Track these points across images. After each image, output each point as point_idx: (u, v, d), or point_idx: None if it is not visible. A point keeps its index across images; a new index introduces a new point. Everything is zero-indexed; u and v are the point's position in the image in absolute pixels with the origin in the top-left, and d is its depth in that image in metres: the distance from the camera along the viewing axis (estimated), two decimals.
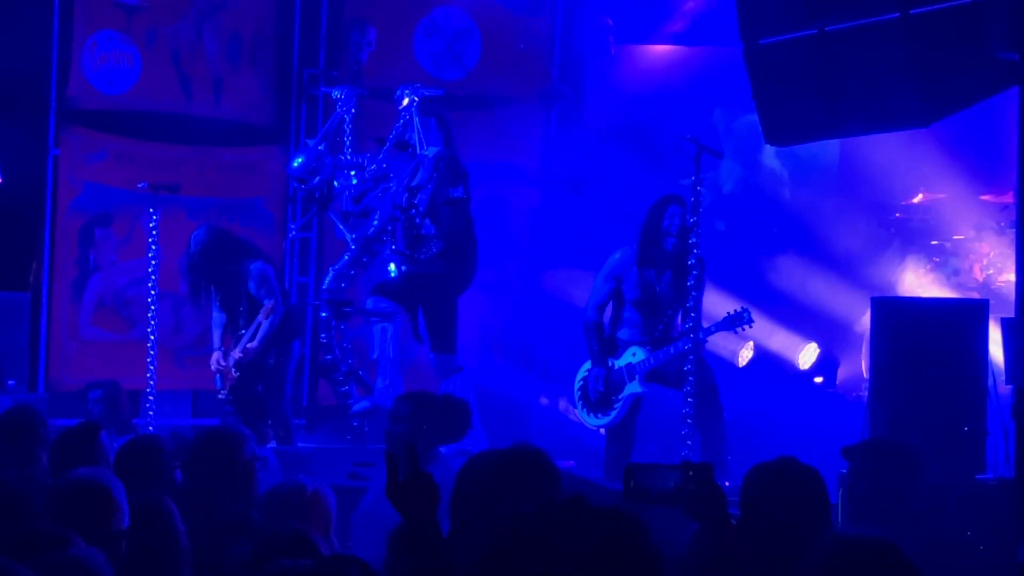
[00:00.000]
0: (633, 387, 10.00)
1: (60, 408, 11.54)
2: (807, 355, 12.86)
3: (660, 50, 14.16)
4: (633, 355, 10.00)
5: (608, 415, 10.11)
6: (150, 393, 11.20)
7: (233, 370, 10.95)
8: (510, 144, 13.64)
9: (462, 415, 7.62)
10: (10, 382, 11.77)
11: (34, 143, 12.56)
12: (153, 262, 11.29)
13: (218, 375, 11.08)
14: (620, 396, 10.04)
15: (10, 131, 12.27)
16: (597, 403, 10.10)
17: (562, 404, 12.94)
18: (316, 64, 13.31)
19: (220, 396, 11.12)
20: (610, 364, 10.09)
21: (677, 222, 9.82)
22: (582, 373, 10.27)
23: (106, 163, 12.80)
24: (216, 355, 11.08)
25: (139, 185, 11.51)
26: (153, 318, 11.29)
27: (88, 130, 12.74)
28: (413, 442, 7.37)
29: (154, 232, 11.29)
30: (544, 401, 13.07)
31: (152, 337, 11.27)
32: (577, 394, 10.31)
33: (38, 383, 12.47)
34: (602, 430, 10.35)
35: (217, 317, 11.19)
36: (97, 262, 12.81)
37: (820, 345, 12.80)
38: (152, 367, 11.19)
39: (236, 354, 10.92)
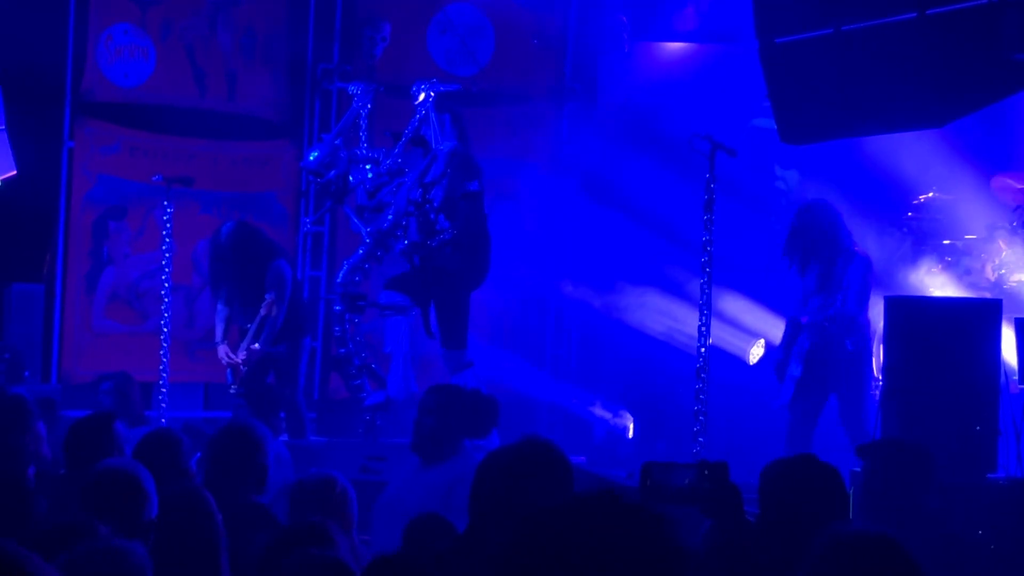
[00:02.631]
0: (792, 370, 10.44)
1: (73, 399, 11.59)
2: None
3: (674, 47, 14.17)
4: (802, 343, 10.49)
5: (781, 396, 10.60)
6: (162, 385, 11.25)
7: (241, 365, 10.99)
8: (522, 141, 13.65)
9: (490, 411, 7.64)
10: (24, 373, 11.81)
11: (49, 135, 12.60)
12: (166, 255, 11.34)
13: (229, 369, 11.12)
14: (787, 378, 10.52)
15: (25, 123, 12.30)
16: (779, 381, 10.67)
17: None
18: (330, 59, 13.34)
19: (231, 391, 11.17)
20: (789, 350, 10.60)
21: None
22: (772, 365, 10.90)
23: (120, 156, 12.84)
24: (223, 349, 11.11)
25: (153, 178, 11.57)
26: (166, 310, 11.34)
27: (102, 123, 12.78)
28: (440, 434, 7.40)
29: (168, 225, 11.33)
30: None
31: (165, 329, 11.31)
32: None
33: (51, 374, 12.51)
34: None
35: (221, 310, 11.22)
36: (110, 254, 12.85)
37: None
38: (165, 359, 11.23)
39: (242, 354, 10.97)
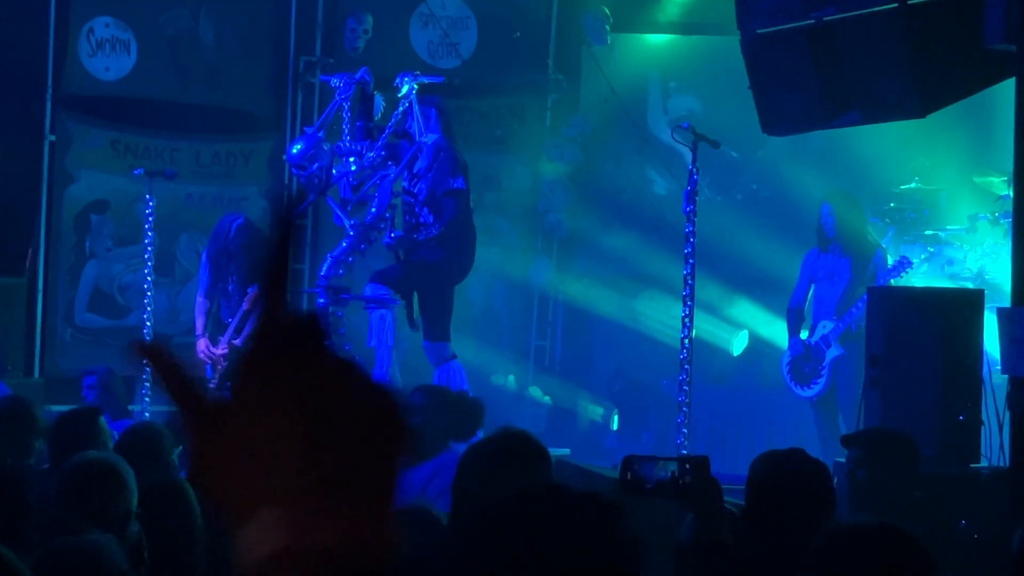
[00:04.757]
0: (831, 352, 10.80)
1: (56, 394, 11.57)
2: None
3: (657, 39, 14.17)
4: (824, 327, 10.86)
5: (817, 384, 10.91)
6: (145, 379, 11.23)
7: (222, 359, 10.97)
8: (505, 133, 13.65)
9: (475, 413, 7.61)
10: (7, 367, 11.78)
11: (30, 129, 12.58)
12: (149, 249, 11.32)
13: (208, 364, 11.10)
14: (824, 364, 10.84)
15: (6, 118, 12.29)
16: (807, 375, 10.95)
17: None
18: (312, 52, 13.32)
19: (210, 386, 11.12)
20: (808, 341, 10.95)
21: (831, 220, 10.86)
22: (786, 358, 11.17)
23: (102, 150, 12.81)
24: (203, 342, 11.09)
25: (135, 172, 11.55)
26: (149, 304, 11.32)
27: (84, 116, 12.76)
28: (424, 434, 7.37)
29: (150, 219, 11.32)
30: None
31: (148, 323, 11.30)
32: (787, 370, 11.12)
33: (34, 369, 12.48)
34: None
35: (202, 303, 11.21)
36: (93, 249, 12.83)
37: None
38: None
39: (223, 347, 10.95)
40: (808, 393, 11.02)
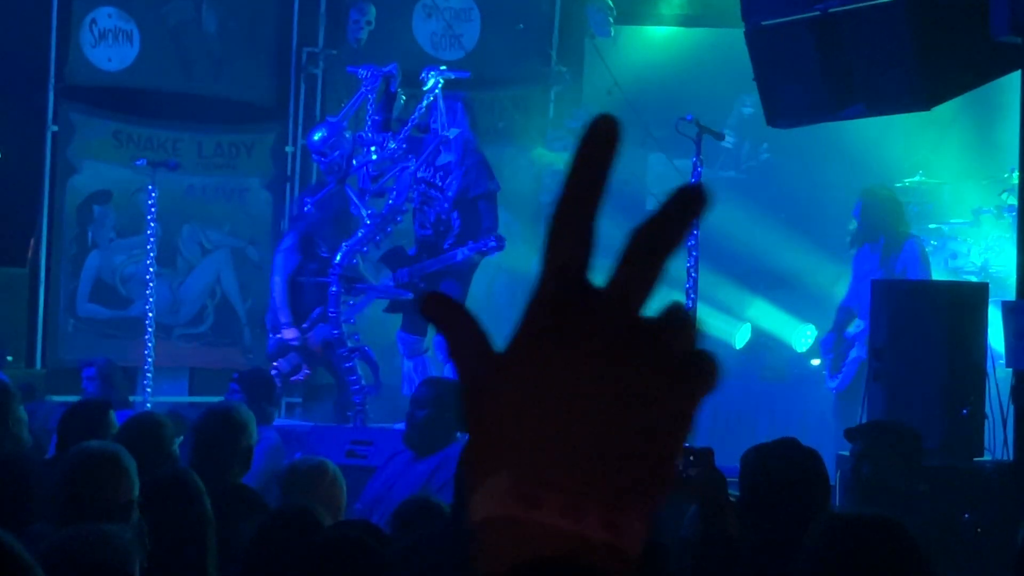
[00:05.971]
0: (854, 352, 10.98)
1: (58, 385, 11.57)
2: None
3: (660, 31, 14.15)
4: (857, 326, 10.98)
5: (838, 377, 11.14)
6: (147, 370, 11.22)
7: (320, 348, 10.93)
8: (508, 125, 13.63)
9: None
10: (7, 358, 11.78)
11: (33, 120, 12.57)
12: (151, 240, 11.31)
13: (294, 353, 10.99)
14: (846, 361, 11.05)
15: (9, 107, 12.27)
16: (832, 366, 11.21)
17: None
18: (315, 43, 13.29)
19: (301, 377, 11.05)
20: (846, 334, 11.11)
21: (858, 219, 11.05)
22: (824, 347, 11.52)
23: (104, 140, 12.80)
24: (294, 331, 10.96)
25: (137, 162, 11.56)
26: (151, 295, 11.31)
27: (87, 107, 12.74)
28: (433, 427, 7.36)
29: (152, 209, 11.31)
30: None
31: (150, 314, 11.29)
32: (824, 358, 11.45)
33: (35, 360, 12.48)
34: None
35: (284, 291, 11.11)
36: (95, 239, 12.81)
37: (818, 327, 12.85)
38: (149, 344, 11.21)
39: (294, 332, 10.93)
40: (832, 384, 11.19)
